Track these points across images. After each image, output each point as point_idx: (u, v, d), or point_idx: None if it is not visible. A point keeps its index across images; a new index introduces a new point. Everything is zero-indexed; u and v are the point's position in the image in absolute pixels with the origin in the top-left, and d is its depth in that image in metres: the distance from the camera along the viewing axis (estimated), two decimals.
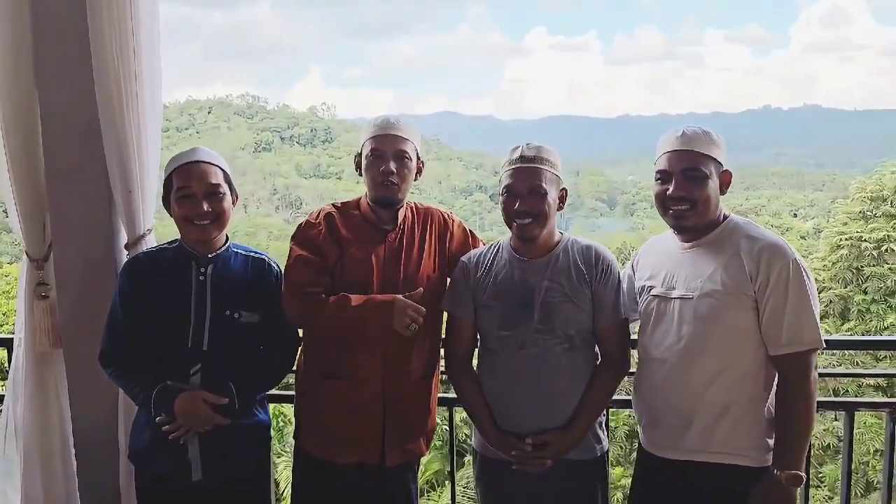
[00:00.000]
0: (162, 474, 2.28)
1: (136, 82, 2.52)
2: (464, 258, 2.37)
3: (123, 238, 2.66)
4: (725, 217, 2.15)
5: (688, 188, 2.08)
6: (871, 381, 14.36)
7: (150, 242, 2.63)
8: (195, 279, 2.27)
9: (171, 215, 2.29)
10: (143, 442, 2.31)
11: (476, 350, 2.39)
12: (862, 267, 16.84)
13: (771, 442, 2.07)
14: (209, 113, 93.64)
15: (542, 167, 2.18)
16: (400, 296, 2.22)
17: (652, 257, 2.29)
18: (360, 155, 2.37)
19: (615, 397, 2.34)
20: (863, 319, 16.85)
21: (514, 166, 2.20)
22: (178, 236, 2.35)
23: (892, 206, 17.04)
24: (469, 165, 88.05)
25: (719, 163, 2.12)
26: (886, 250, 16.45)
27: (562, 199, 2.24)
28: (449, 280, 2.42)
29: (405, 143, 2.31)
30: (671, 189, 2.10)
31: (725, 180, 2.13)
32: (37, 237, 2.73)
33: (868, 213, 17.39)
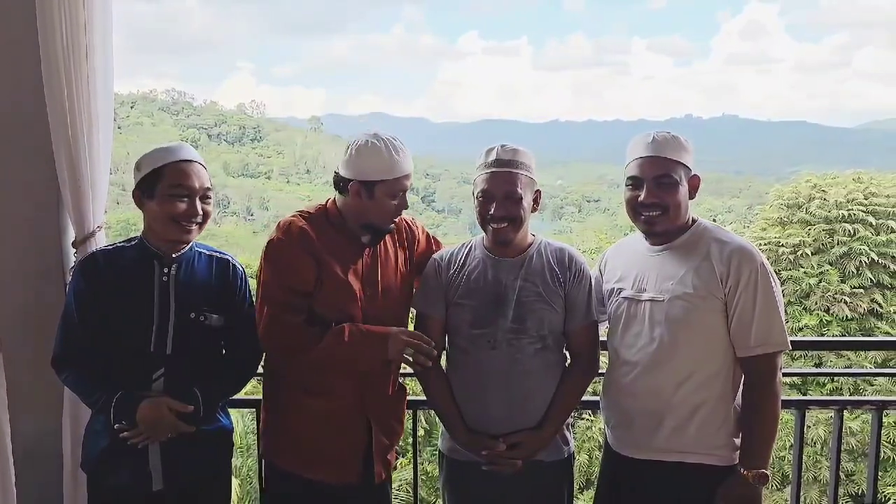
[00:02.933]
0: (120, 485, 2.16)
1: (89, 78, 2.40)
2: (435, 256, 2.35)
3: (71, 235, 2.53)
4: (694, 221, 2.19)
5: (659, 195, 2.11)
6: (787, 379, 14.93)
7: (101, 240, 2.51)
8: (158, 280, 2.17)
9: (140, 208, 2.16)
10: (98, 451, 2.18)
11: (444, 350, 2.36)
12: (779, 271, 17.47)
13: (737, 441, 2.12)
14: (132, 108, 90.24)
15: (517, 171, 2.16)
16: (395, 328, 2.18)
17: (621, 259, 2.31)
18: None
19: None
20: None
21: (489, 170, 2.18)
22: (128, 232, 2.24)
23: (806, 213, 17.74)
24: None
25: (688, 168, 2.16)
26: (802, 255, 17.09)
27: (536, 200, 2.23)
28: (419, 279, 2.37)
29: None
30: (643, 195, 2.12)
31: (694, 185, 2.17)
32: None
33: (785, 219, 18.08)
